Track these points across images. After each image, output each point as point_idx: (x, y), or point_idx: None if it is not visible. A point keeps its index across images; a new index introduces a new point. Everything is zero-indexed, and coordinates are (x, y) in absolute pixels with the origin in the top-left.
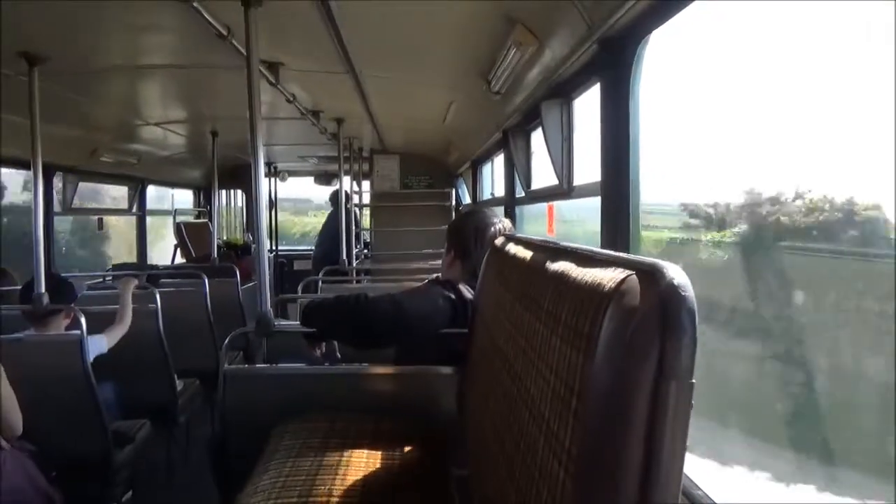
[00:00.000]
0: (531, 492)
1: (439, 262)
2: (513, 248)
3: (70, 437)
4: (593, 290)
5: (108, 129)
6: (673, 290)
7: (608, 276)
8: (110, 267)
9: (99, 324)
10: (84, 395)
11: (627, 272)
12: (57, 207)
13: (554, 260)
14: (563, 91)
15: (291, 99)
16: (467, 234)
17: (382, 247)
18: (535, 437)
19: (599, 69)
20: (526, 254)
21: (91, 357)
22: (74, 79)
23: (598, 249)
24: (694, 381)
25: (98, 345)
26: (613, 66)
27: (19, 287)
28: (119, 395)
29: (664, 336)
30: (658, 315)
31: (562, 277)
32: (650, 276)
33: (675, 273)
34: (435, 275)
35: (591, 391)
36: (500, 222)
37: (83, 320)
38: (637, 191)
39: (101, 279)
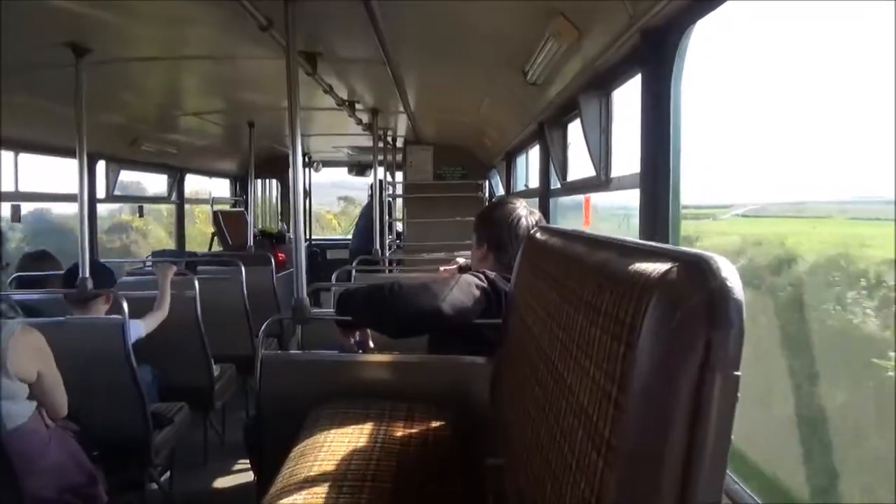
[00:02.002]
0: (568, 482)
1: (469, 252)
2: (550, 240)
3: (111, 417)
4: (636, 280)
5: (148, 120)
6: (721, 281)
7: (652, 267)
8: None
9: (139, 309)
10: (125, 377)
11: (672, 263)
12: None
13: (595, 251)
14: (602, 82)
15: (328, 89)
16: (500, 227)
17: (414, 237)
18: (574, 427)
19: (641, 61)
20: (564, 245)
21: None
22: (118, 69)
23: (641, 241)
24: (740, 373)
25: (135, 329)
26: (655, 57)
27: (62, 272)
28: (158, 378)
29: (711, 327)
30: (705, 306)
31: (603, 268)
32: (697, 266)
33: (723, 264)
34: (462, 262)
35: (634, 381)
36: (532, 214)
37: (125, 305)
38: (678, 183)
39: (140, 265)
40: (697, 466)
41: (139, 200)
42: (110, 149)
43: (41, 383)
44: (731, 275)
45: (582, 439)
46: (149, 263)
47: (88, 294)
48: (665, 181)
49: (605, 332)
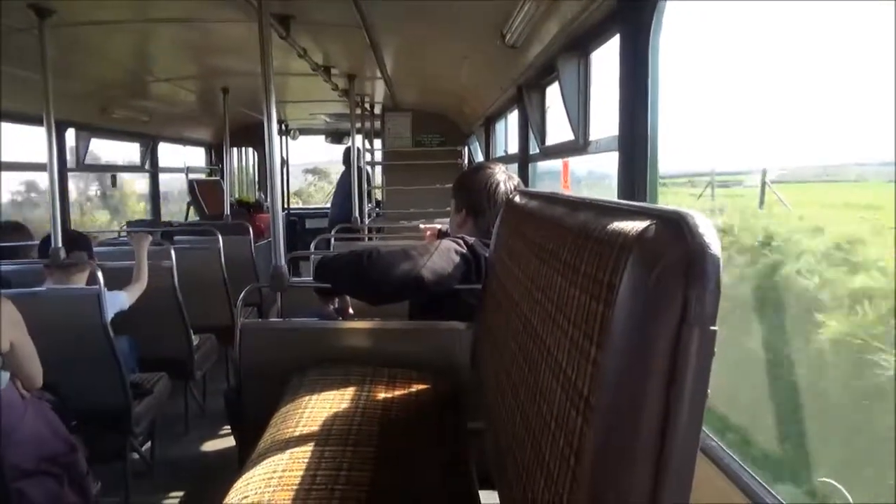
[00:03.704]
0: (547, 440)
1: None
2: (529, 203)
3: (89, 388)
4: (615, 239)
5: (118, 86)
6: (698, 238)
7: (630, 226)
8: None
9: (114, 279)
10: (102, 347)
11: (650, 221)
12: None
13: (574, 212)
14: (580, 44)
15: (302, 54)
16: (479, 192)
17: (394, 205)
18: (553, 387)
19: (619, 20)
20: (543, 207)
21: (112, 314)
22: (85, 33)
23: (619, 201)
24: (716, 328)
25: (119, 300)
26: (634, 17)
27: (37, 242)
28: (136, 348)
29: (688, 283)
30: (682, 261)
31: (582, 229)
32: (674, 223)
33: (700, 220)
34: (440, 227)
35: (611, 339)
36: (511, 178)
37: (100, 275)
38: (655, 144)
39: (115, 235)
40: (674, 421)
41: (111, 169)
42: (80, 116)
43: (15, 353)
44: (708, 231)
45: (560, 398)
46: (123, 234)
47: (62, 263)
48: (643, 142)
49: (583, 291)
